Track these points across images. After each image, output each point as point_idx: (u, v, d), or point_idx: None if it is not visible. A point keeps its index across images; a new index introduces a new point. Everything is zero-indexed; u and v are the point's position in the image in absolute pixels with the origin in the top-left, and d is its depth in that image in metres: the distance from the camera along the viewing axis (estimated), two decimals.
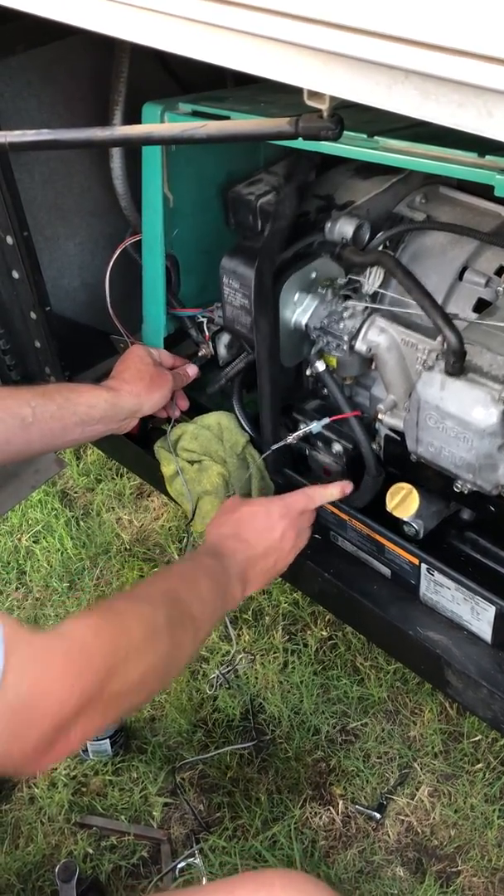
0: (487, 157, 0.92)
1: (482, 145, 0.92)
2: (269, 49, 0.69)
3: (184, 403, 1.46)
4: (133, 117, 1.29)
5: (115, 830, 1.60)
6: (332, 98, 0.73)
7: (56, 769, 1.69)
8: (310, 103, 0.77)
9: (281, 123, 0.80)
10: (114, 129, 0.83)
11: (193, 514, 1.37)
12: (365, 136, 1.02)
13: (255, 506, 1.21)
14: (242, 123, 0.81)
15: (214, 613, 1.07)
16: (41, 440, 1.25)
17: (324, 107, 0.77)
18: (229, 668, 1.80)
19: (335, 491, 1.23)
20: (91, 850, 1.57)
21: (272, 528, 1.18)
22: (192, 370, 1.45)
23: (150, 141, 1.04)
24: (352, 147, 1.02)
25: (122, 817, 1.62)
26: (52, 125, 1.47)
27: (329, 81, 0.68)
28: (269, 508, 1.19)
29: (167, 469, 1.41)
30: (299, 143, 0.93)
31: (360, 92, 0.66)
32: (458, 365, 1.02)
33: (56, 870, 1.47)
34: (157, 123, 1.16)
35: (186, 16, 0.72)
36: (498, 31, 0.54)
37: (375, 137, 1.02)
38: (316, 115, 0.80)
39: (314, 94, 0.74)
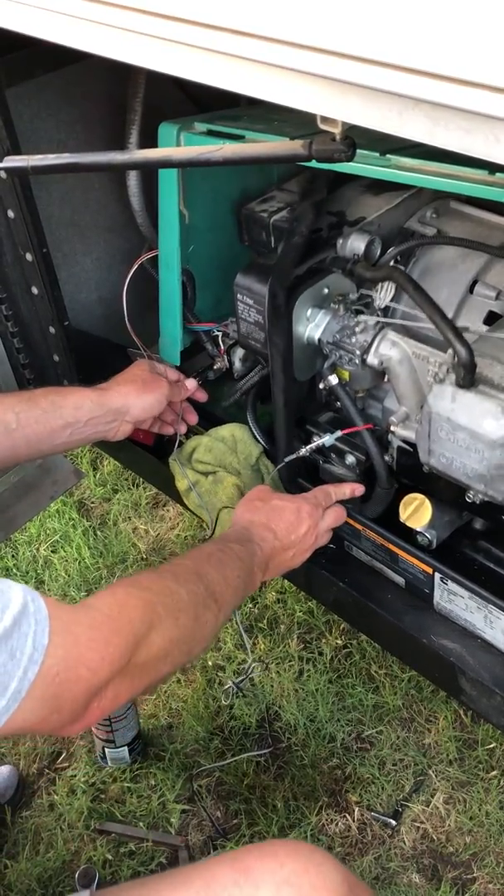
0: (497, 174, 0.94)
1: (492, 163, 0.94)
2: (283, 77, 0.72)
3: (192, 418, 1.48)
4: (149, 136, 1.32)
5: (133, 837, 1.62)
6: (345, 123, 0.75)
7: (75, 776, 1.71)
8: (323, 127, 0.80)
9: (295, 146, 0.83)
10: (133, 153, 0.86)
11: (214, 526, 1.39)
12: (377, 154, 1.04)
13: (287, 501, 1.24)
14: (257, 146, 0.84)
15: (237, 595, 1.10)
16: (27, 446, 1.26)
17: (336, 130, 0.80)
18: (245, 676, 1.82)
19: (347, 490, 1.28)
20: (110, 857, 1.59)
21: (300, 523, 1.21)
22: (190, 384, 1.46)
23: (168, 164, 1.07)
24: (364, 165, 1.05)
25: (141, 824, 1.64)
26: (69, 144, 1.51)
27: (341, 109, 0.70)
28: (300, 506, 1.22)
29: (181, 484, 1.43)
30: (313, 163, 0.95)
31: (372, 119, 0.68)
32: (468, 378, 1.04)
33: (76, 875, 1.49)
34: (175, 147, 1.19)
35: (203, 46, 0.75)
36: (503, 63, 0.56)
37: (388, 156, 1.05)
38: (328, 138, 0.82)
39: (327, 119, 0.76)
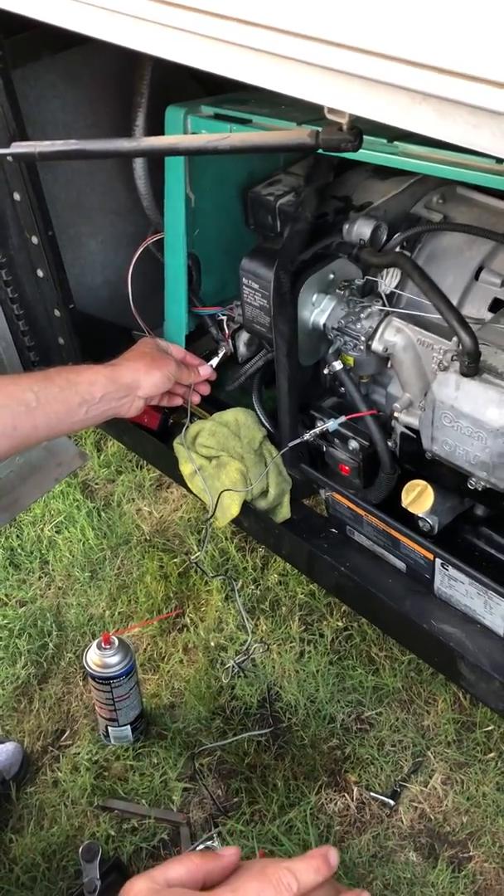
0: None
1: None
2: (291, 68, 0.72)
3: (204, 388, 1.49)
4: (156, 118, 1.31)
5: (136, 814, 1.65)
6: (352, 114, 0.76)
7: (79, 754, 1.74)
8: (330, 117, 0.80)
9: (302, 135, 0.83)
10: (140, 141, 0.86)
11: (215, 508, 1.41)
12: (385, 140, 1.04)
13: None
14: (264, 135, 0.84)
15: None
16: (46, 424, 1.27)
17: (343, 120, 0.80)
18: (246, 657, 1.84)
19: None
20: (113, 833, 1.62)
21: None
22: (204, 371, 1.46)
23: (175, 152, 1.07)
24: (371, 152, 1.05)
25: (143, 801, 1.67)
26: (75, 126, 1.50)
27: (349, 100, 0.70)
28: None
29: (185, 467, 1.44)
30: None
31: (379, 111, 0.68)
32: (472, 366, 1.05)
33: (80, 850, 1.52)
34: (181, 129, 1.18)
35: (211, 35, 0.75)
36: None
37: (395, 143, 1.05)
38: (336, 128, 0.82)
39: (334, 110, 0.76)
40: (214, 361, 1.48)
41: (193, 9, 0.75)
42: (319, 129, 0.84)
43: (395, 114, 0.67)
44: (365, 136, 0.86)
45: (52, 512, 2.21)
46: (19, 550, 2.13)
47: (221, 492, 1.38)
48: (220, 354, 1.49)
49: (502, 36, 0.57)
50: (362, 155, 1.05)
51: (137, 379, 1.35)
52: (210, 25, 0.74)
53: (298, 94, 0.74)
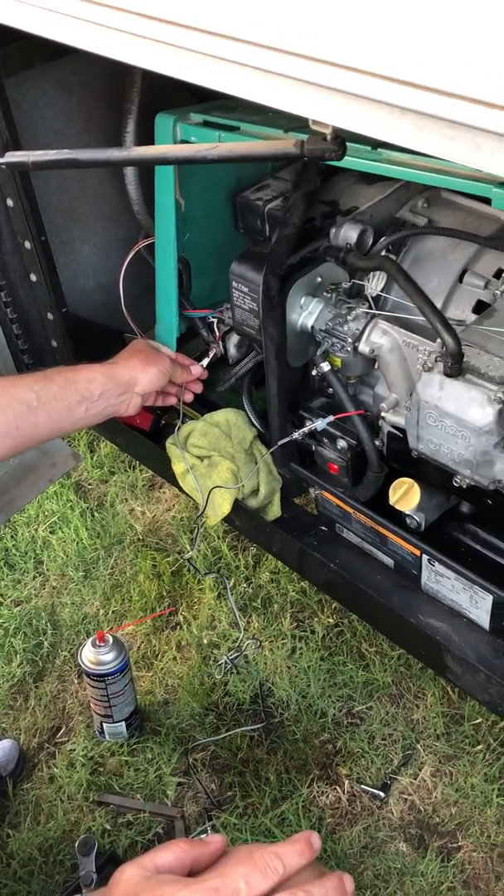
0: (486, 171, 0.97)
1: None
2: (277, 83, 0.75)
3: (197, 386, 1.52)
4: (146, 125, 1.34)
5: (131, 808, 1.67)
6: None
7: (74, 750, 1.76)
8: (314, 127, 0.83)
9: (288, 145, 0.86)
10: (130, 150, 0.89)
11: (205, 506, 1.43)
12: (369, 148, 1.07)
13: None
14: (251, 145, 0.87)
15: None
16: (48, 422, 1.30)
17: (327, 130, 0.83)
18: (238, 653, 1.87)
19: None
20: (109, 827, 1.65)
21: None
22: (196, 370, 1.50)
23: (165, 161, 1.10)
24: (356, 159, 1.08)
25: (138, 796, 1.69)
26: (66, 133, 1.53)
27: (332, 114, 0.73)
28: None
29: (178, 466, 1.47)
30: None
31: (360, 123, 0.71)
32: (456, 367, 1.08)
33: (76, 844, 1.54)
34: (171, 135, 1.21)
35: (200, 50, 0.78)
36: (484, 78, 0.59)
37: (379, 150, 1.07)
38: (320, 137, 0.85)
39: (318, 122, 0.79)
40: (205, 361, 1.51)
41: (182, 25, 0.78)
42: (305, 138, 0.87)
43: (376, 126, 0.70)
44: (350, 144, 0.89)
45: (47, 512, 2.23)
46: (14, 551, 2.16)
47: (212, 488, 1.40)
48: (210, 355, 1.52)
49: (475, 55, 0.60)
50: (347, 162, 1.08)
51: (134, 375, 1.38)
52: (198, 41, 0.77)
53: (283, 106, 0.77)
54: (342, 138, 0.85)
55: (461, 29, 0.60)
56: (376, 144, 1.07)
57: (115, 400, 1.36)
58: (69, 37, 0.95)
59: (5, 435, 1.24)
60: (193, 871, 0.73)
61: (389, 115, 0.68)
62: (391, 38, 0.64)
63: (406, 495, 1.24)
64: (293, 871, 0.70)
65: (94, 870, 1.51)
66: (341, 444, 1.32)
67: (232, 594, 1.98)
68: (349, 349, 1.24)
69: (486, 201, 1.27)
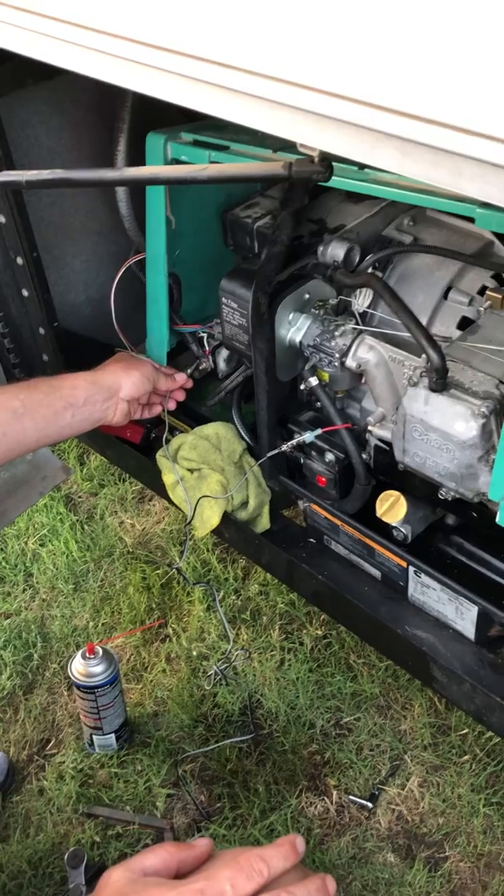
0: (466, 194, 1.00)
1: None
2: (265, 108, 0.77)
3: (180, 395, 1.54)
4: (137, 143, 1.36)
5: (120, 820, 1.68)
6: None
7: (64, 763, 1.76)
8: (302, 150, 0.85)
9: (276, 167, 0.88)
10: (123, 171, 0.91)
11: (192, 517, 1.45)
12: (355, 168, 1.10)
13: None
14: (240, 166, 0.89)
15: None
16: (35, 428, 1.32)
17: (315, 153, 0.85)
18: (228, 665, 1.88)
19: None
20: (98, 839, 1.65)
21: None
22: (180, 377, 1.52)
23: (156, 181, 1.12)
24: (343, 178, 1.10)
25: (128, 808, 1.70)
26: (58, 151, 1.55)
27: (319, 138, 0.76)
28: None
29: (168, 478, 1.49)
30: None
31: (346, 148, 0.74)
32: (441, 382, 1.10)
33: (65, 857, 1.54)
34: (162, 158, 1.23)
35: (189, 75, 0.80)
36: (465, 106, 0.62)
37: (365, 170, 1.10)
38: (308, 160, 0.88)
39: (305, 145, 0.81)
40: (189, 370, 1.53)
41: (173, 51, 0.80)
42: (293, 159, 0.90)
43: (361, 151, 0.72)
44: (337, 164, 0.91)
45: (36, 525, 2.24)
46: (3, 564, 2.16)
47: (200, 498, 1.42)
48: (194, 365, 1.54)
49: (457, 85, 0.62)
50: (334, 182, 1.10)
51: (117, 380, 1.41)
52: (188, 66, 0.79)
53: (271, 130, 0.79)
54: (329, 160, 0.88)
55: (444, 60, 0.63)
56: (363, 165, 1.09)
57: (100, 406, 1.39)
58: (60, 59, 0.98)
59: None
60: (180, 874, 0.75)
61: (374, 140, 0.70)
62: (377, 66, 0.66)
63: (393, 508, 1.26)
64: (278, 873, 0.72)
65: (84, 882, 1.52)
66: (329, 457, 1.34)
67: (221, 606, 1.99)
68: (336, 364, 1.27)
69: (470, 220, 1.31)
